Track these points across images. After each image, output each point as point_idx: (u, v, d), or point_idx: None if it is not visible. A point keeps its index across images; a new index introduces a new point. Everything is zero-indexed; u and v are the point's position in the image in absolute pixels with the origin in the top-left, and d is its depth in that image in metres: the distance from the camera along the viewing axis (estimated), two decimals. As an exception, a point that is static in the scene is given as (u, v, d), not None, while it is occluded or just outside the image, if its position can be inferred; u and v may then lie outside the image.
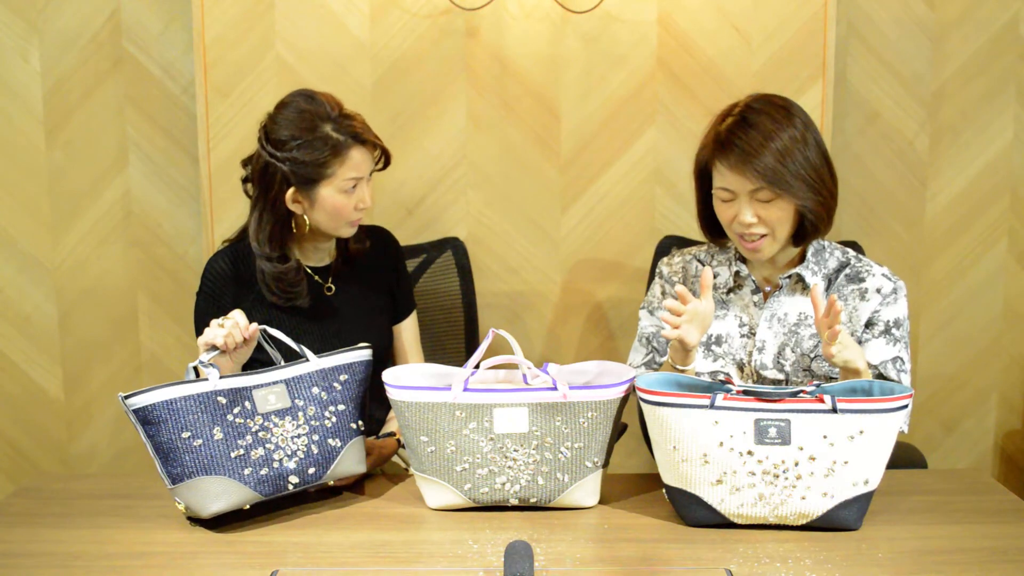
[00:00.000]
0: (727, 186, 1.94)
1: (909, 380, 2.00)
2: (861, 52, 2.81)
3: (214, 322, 1.90)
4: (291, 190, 2.06)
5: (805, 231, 1.97)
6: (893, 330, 1.99)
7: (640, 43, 2.72)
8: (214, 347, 1.88)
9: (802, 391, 1.73)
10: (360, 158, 2.08)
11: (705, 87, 2.73)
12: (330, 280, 2.22)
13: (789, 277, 2.02)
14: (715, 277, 2.08)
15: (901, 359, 1.99)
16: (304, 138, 2.04)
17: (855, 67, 2.81)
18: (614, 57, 2.74)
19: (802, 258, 2.04)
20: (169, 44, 2.81)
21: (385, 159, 2.15)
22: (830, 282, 2.02)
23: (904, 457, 2.33)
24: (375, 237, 2.29)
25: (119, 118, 2.85)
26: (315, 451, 1.87)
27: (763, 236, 1.94)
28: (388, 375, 1.89)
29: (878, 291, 2.00)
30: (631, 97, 2.75)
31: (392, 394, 1.86)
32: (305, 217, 2.10)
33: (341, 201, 2.08)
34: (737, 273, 2.06)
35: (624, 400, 1.86)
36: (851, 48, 2.80)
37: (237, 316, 1.91)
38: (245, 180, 2.16)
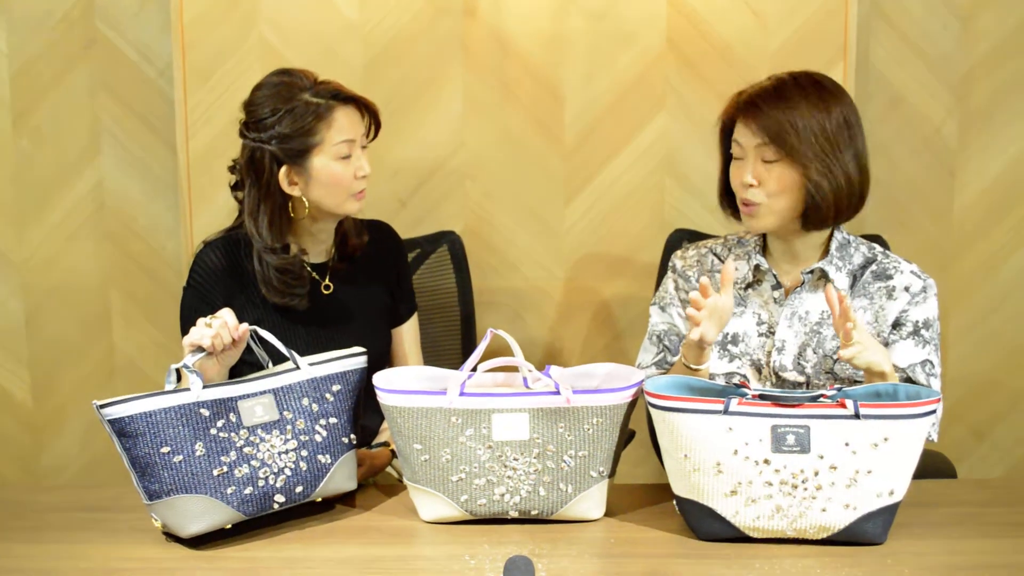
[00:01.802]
0: (737, 137, 1.99)
1: (939, 385, 1.99)
2: (885, 32, 2.81)
3: (201, 321, 1.89)
4: (283, 169, 2.07)
5: (808, 213, 1.96)
6: (922, 331, 1.99)
7: (649, 22, 2.72)
8: (200, 348, 1.87)
9: (822, 395, 1.73)
10: (346, 119, 2.08)
11: (718, 70, 2.73)
12: (327, 278, 2.21)
13: (811, 272, 2.02)
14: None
15: (931, 362, 1.98)
16: (284, 108, 2.05)
17: (879, 48, 2.81)
18: (621, 37, 2.73)
19: (826, 252, 2.04)
20: (145, 24, 2.81)
21: (375, 122, 2.15)
22: (855, 279, 2.02)
23: (932, 466, 2.33)
24: (375, 232, 2.29)
25: (91, 103, 2.85)
26: (303, 468, 1.87)
27: (759, 204, 1.96)
28: (379, 378, 1.89)
29: (906, 289, 2.00)
30: (639, 80, 2.75)
31: (383, 399, 1.86)
32: (304, 199, 2.10)
33: (338, 170, 2.08)
34: (757, 267, 2.06)
35: (632, 405, 1.86)
36: (874, 28, 2.80)
37: (226, 315, 1.90)
38: (235, 187, 2.16)
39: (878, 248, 2.08)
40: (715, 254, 2.13)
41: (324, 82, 2.10)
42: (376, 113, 2.15)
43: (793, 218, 1.98)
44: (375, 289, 2.27)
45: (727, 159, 2.06)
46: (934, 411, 1.73)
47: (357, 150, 2.11)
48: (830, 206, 1.94)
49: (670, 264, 2.18)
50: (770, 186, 1.95)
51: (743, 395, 1.75)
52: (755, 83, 2.02)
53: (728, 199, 2.09)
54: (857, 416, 1.71)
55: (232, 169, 2.17)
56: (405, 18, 2.73)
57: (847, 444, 1.71)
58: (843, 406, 1.72)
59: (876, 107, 2.83)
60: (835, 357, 2.00)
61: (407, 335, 2.35)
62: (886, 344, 2.00)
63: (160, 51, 2.81)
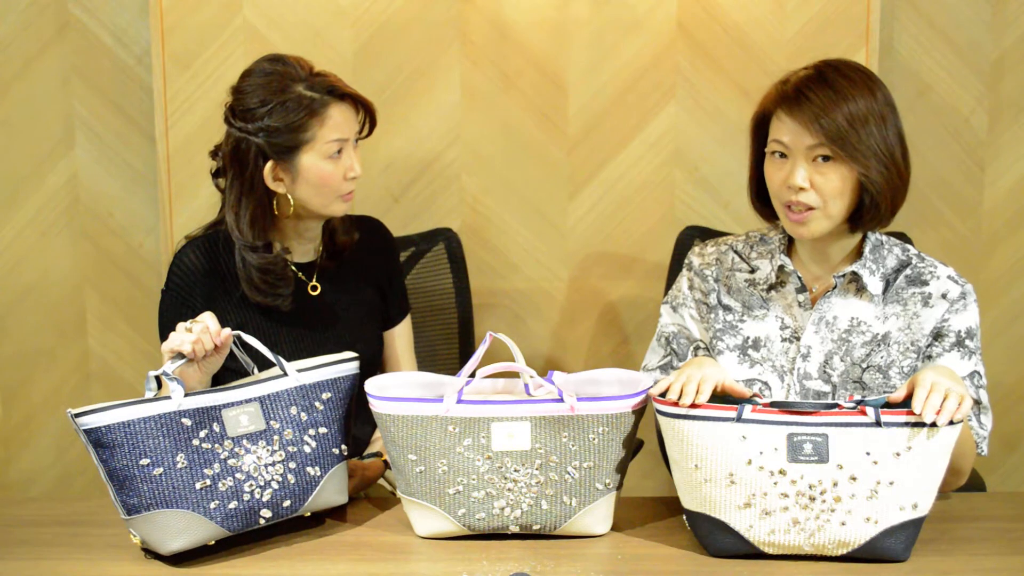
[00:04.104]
0: (783, 138, 1.93)
1: (987, 396, 1.99)
2: (910, 16, 2.81)
3: (181, 326, 1.90)
4: (269, 164, 2.07)
5: (862, 213, 1.94)
6: (966, 341, 1.98)
7: (658, 6, 2.73)
8: (181, 355, 1.88)
9: (838, 405, 1.74)
10: (340, 116, 2.09)
11: (732, 57, 2.74)
12: (315, 278, 2.22)
13: (843, 276, 2.01)
14: (754, 272, 2.09)
15: (978, 373, 1.98)
16: (275, 101, 2.05)
17: (903, 34, 2.82)
18: (628, 22, 2.74)
19: (858, 254, 2.03)
20: (121, 7, 2.82)
21: (370, 119, 2.16)
22: (888, 283, 2.02)
23: (959, 478, 2.34)
24: (365, 228, 2.30)
25: (64, 92, 2.86)
26: (291, 481, 1.88)
27: (812, 209, 1.93)
28: (371, 385, 1.90)
29: (943, 296, 1.99)
30: (648, 68, 2.76)
31: (376, 406, 1.87)
32: (289, 196, 2.11)
33: (327, 169, 2.09)
34: (781, 268, 2.05)
35: (640, 413, 1.87)
36: (899, 13, 2.81)
37: (207, 319, 1.91)
38: (216, 173, 2.17)
39: (912, 250, 2.06)
40: (736, 251, 2.13)
41: (320, 74, 2.10)
42: (372, 111, 2.15)
43: (844, 220, 1.96)
44: (365, 290, 2.28)
45: (760, 156, 2.02)
46: (960, 420, 1.74)
47: (349, 149, 2.11)
48: (888, 205, 1.93)
49: (686, 261, 2.17)
50: (825, 188, 1.91)
51: (755, 402, 1.76)
52: (793, 71, 1.98)
53: (759, 196, 2.06)
54: (878, 424, 1.72)
55: (214, 154, 2.17)
56: (399, 2, 2.74)
57: (868, 453, 1.72)
58: (863, 414, 1.73)
59: (901, 96, 2.83)
60: (864, 366, 2.00)
61: (400, 338, 2.36)
62: (929, 357, 1.98)
63: (138, 36, 2.82)
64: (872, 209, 1.93)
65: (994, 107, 2.86)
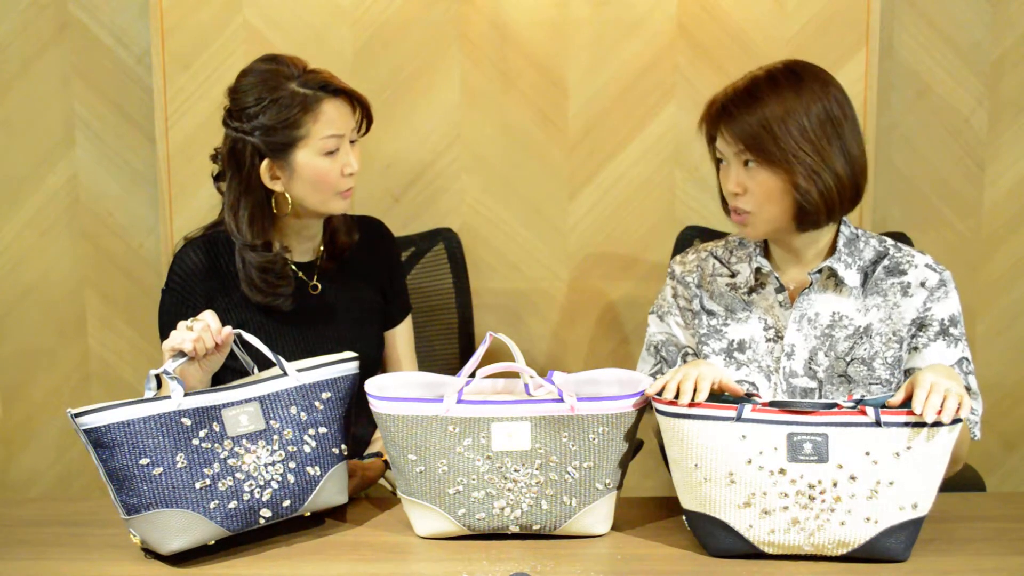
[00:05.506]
0: (718, 145, 2.01)
1: (976, 383, 2.00)
2: (911, 17, 2.82)
3: (182, 324, 1.90)
4: (265, 163, 2.08)
5: (805, 215, 1.97)
6: (951, 329, 2.00)
7: (658, 6, 2.73)
8: (182, 353, 1.89)
9: (837, 405, 1.74)
10: (335, 112, 2.09)
11: (732, 57, 2.74)
12: (315, 278, 2.23)
13: (819, 272, 2.03)
14: (734, 276, 2.10)
15: (966, 359, 2.00)
16: (269, 98, 2.06)
17: (904, 34, 2.82)
18: (628, 21, 2.74)
19: (832, 250, 2.05)
20: (122, 7, 2.82)
21: (366, 116, 2.16)
22: (867, 276, 2.03)
23: (959, 478, 2.34)
24: (366, 228, 2.30)
25: (64, 92, 2.86)
26: (291, 480, 1.88)
27: (751, 212, 1.98)
28: (371, 385, 1.90)
29: (922, 285, 2.01)
30: (648, 68, 2.76)
31: (376, 406, 1.87)
32: (287, 195, 2.11)
33: (323, 166, 2.09)
34: (758, 270, 2.07)
35: (640, 413, 1.87)
36: (899, 13, 2.81)
37: (208, 318, 1.92)
38: (217, 177, 2.17)
39: (889, 241, 2.08)
40: (716, 257, 2.15)
41: (313, 71, 2.10)
42: (368, 107, 2.15)
43: (787, 221, 1.98)
44: (366, 289, 2.28)
45: (719, 164, 2.07)
46: (960, 420, 1.74)
47: (345, 145, 2.11)
48: (819, 209, 1.95)
49: (668, 270, 2.19)
50: (757, 192, 1.96)
51: (755, 402, 1.76)
52: (728, 85, 2.03)
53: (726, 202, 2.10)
54: (878, 424, 1.72)
55: (214, 158, 2.18)
56: (398, 2, 2.74)
57: (868, 453, 1.73)
58: (863, 413, 1.73)
59: (901, 97, 2.84)
60: (848, 360, 2.01)
61: (400, 338, 2.36)
62: (914, 348, 2.00)
63: (138, 36, 2.82)
64: (804, 213, 1.97)
65: (994, 107, 2.86)
